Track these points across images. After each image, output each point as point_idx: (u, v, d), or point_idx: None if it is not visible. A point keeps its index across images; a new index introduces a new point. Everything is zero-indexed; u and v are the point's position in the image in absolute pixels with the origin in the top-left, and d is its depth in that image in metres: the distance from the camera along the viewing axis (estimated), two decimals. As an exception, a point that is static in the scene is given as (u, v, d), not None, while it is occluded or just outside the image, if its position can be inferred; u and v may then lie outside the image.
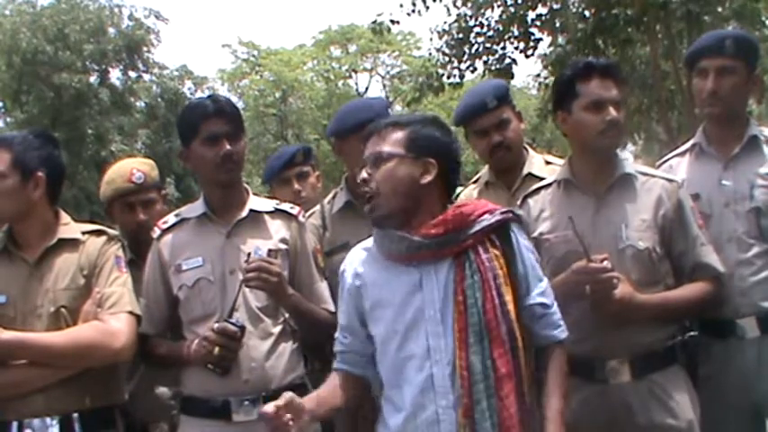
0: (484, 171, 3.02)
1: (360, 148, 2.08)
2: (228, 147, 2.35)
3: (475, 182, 3.04)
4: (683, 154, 2.74)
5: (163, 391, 2.59)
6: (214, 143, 2.35)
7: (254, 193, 2.55)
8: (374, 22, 10.85)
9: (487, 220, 1.97)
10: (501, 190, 2.86)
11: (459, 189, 2.81)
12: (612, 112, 2.31)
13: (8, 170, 2.29)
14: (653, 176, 2.43)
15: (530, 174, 2.83)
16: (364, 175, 1.99)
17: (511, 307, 1.92)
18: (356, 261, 2.07)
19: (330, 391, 2.06)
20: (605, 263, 2.18)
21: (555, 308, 2.08)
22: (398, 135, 1.99)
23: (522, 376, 1.90)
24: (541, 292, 2.05)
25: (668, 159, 2.79)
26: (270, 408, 1.81)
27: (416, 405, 1.91)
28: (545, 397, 1.98)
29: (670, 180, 2.42)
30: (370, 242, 2.08)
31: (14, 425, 2.22)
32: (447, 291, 1.93)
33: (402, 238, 1.95)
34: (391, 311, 1.97)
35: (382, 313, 1.99)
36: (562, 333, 2.07)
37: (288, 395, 1.84)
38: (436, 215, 1.97)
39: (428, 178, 1.97)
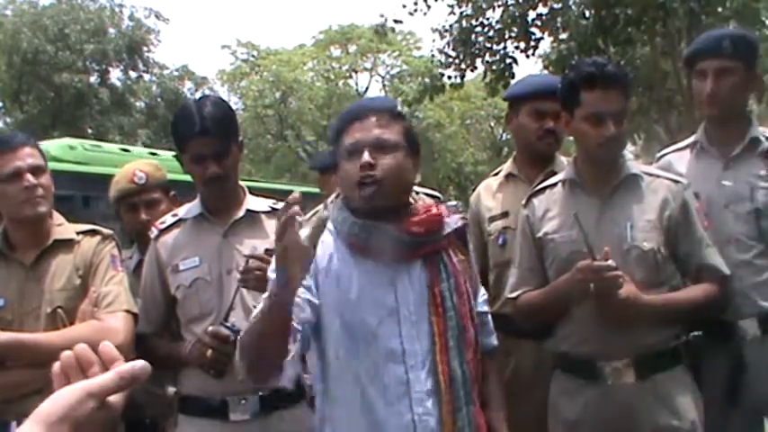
0: (507, 164, 3.00)
1: None
2: (214, 168, 2.33)
3: (495, 174, 3.03)
4: (683, 149, 2.73)
5: (172, 390, 2.59)
6: (200, 163, 2.34)
7: (251, 192, 2.54)
8: (377, 23, 10.87)
9: (453, 223, 1.92)
10: (522, 183, 2.84)
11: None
12: (611, 127, 2.25)
13: None
14: (658, 177, 2.40)
15: (552, 171, 2.76)
16: (368, 158, 1.83)
17: (474, 312, 1.94)
18: (328, 243, 1.85)
19: None
20: (609, 261, 2.17)
21: (489, 315, 2.13)
22: (398, 126, 1.90)
23: (478, 383, 1.92)
24: (484, 299, 2.10)
25: (667, 154, 2.77)
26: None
27: (390, 411, 1.79)
28: (490, 406, 1.99)
29: (676, 181, 2.39)
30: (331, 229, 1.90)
31: (13, 425, 2.21)
32: (421, 292, 1.85)
33: (387, 232, 1.83)
34: (356, 305, 1.81)
35: (344, 301, 1.82)
36: (496, 340, 2.13)
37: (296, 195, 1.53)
38: (410, 215, 1.89)
39: (417, 177, 1.95)
